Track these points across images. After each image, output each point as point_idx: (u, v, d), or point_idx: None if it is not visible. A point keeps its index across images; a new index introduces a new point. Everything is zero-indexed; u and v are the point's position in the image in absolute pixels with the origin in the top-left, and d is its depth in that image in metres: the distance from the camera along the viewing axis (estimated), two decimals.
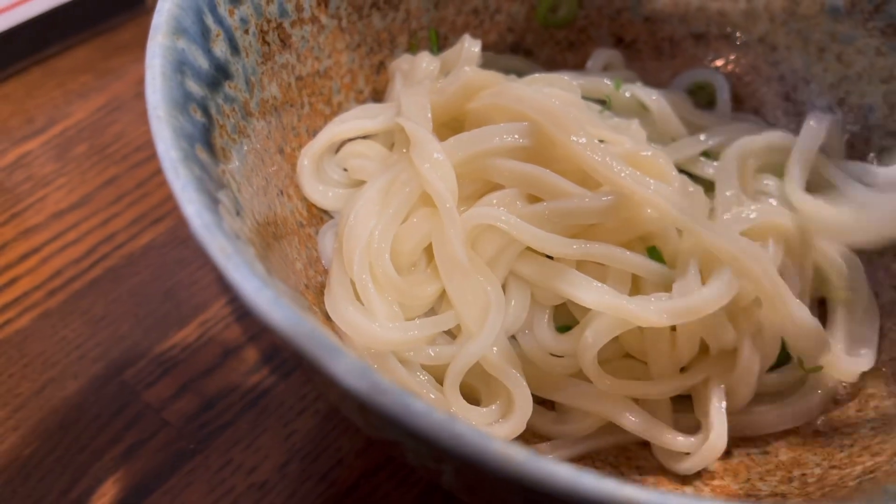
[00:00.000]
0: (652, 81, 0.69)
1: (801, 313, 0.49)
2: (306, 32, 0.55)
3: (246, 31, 0.49)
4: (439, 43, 0.65)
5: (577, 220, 0.50)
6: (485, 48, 0.68)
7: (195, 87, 0.42)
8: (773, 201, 0.58)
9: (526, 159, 0.52)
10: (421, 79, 0.57)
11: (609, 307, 0.47)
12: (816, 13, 0.62)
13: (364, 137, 0.58)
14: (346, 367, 0.29)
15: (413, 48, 0.64)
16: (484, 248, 0.50)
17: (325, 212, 0.56)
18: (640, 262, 0.50)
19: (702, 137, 0.61)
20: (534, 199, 0.51)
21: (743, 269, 0.47)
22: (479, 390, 0.51)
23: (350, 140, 0.57)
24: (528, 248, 0.50)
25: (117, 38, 0.84)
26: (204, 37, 0.44)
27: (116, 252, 0.68)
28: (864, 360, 0.52)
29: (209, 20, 0.45)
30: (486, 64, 0.65)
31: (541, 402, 0.52)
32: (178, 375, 0.60)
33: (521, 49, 0.69)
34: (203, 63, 0.43)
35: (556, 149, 0.51)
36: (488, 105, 0.54)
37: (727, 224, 0.52)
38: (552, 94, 0.54)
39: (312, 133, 0.57)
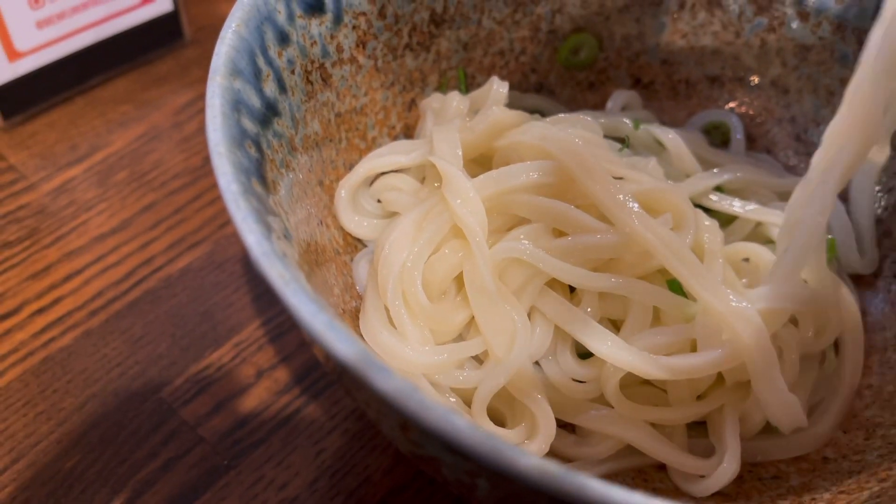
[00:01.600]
0: (668, 121, 0.72)
1: (782, 397, 0.50)
2: (346, 72, 0.59)
3: (292, 72, 0.52)
4: (467, 82, 0.69)
5: (599, 253, 0.53)
6: (510, 87, 0.71)
7: (250, 125, 0.45)
8: None
9: (551, 195, 0.55)
10: (451, 117, 0.60)
11: (617, 360, 0.50)
12: (827, 59, 0.66)
13: (397, 171, 0.61)
14: (395, 386, 0.32)
15: (443, 87, 0.67)
16: (511, 278, 0.53)
17: (360, 241, 0.59)
18: (659, 295, 0.53)
19: (715, 171, 0.63)
20: (559, 233, 0.55)
21: (734, 335, 0.50)
22: (504, 413, 0.53)
23: (384, 173, 0.60)
24: (553, 283, 0.53)
25: (156, 70, 0.88)
26: (257, 77, 0.48)
27: (154, 275, 0.71)
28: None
29: (261, 61, 0.49)
30: (511, 102, 0.69)
31: (562, 425, 0.55)
32: (214, 394, 0.63)
33: (545, 88, 0.72)
34: (256, 102, 0.47)
35: (578, 186, 0.54)
36: (515, 143, 0.57)
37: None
38: (575, 133, 0.57)
39: (349, 166, 0.60)
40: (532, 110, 0.70)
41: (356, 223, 0.57)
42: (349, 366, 0.33)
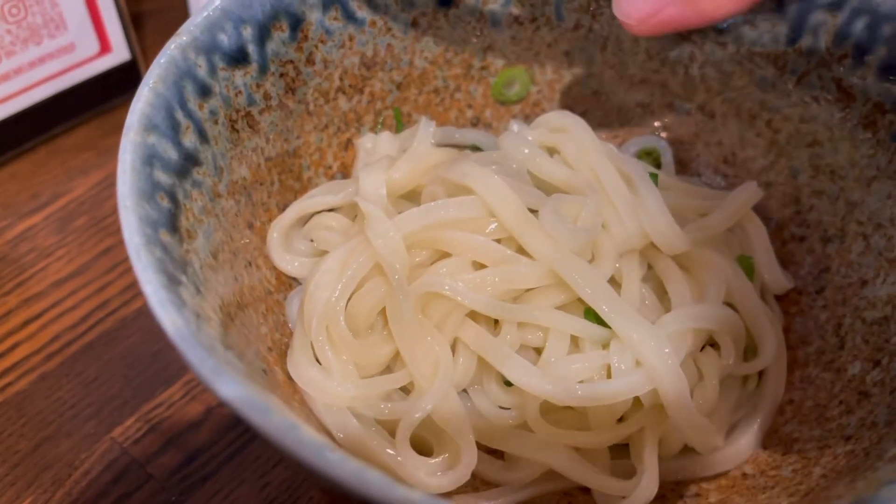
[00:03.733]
0: None
1: (695, 422, 0.52)
2: (275, 118, 0.61)
3: (215, 122, 0.55)
4: (403, 120, 0.71)
5: (517, 284, 0.55)
6: (446, 123, 0.74)
7: (163, 177, 0.47)
8: None
9: (472, 230, 0.57)
10: (380, 158, 0.62)
11: (533, 389, 0.52)
12: (747, 84, 0.68)
13: (332, 210, 0.63)
14: (274, 425, 0.34)
15: (378, 126, 0.70)
16: (433, 311, 0.55)
17: (295, 279, 0.62)
18: (575, 324, 0.54)
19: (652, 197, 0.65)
20: (480, 265, 0.57)
21: (645, 362, 0.52)
22: (431, 442, 0.55)
23: (318, 212, 0.63)
24: (477, 313, 0.55)
25: (116, 117, 0.91)
26: (175, 130, 0.50)
27: (110, 317, 0.73)
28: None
29: (179, 115, 0.51)
30: (447, 138, 0.72)
31: (491, 451, 0.56)
32: (164, 432, 0.65)
33: (481, 123, 0.74)
34: (173, 154, 0.49)
35: (497, 220, 0.57)
36: (440, 180, 0.60)
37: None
38: (498, 169, 0.59)
39: (283, 207, 0.62)
40: (469, 144, 0.72)
41: (288, 262, 0.60)
42: (234, 406, 0.35)
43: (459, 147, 0.72)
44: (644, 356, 0.52)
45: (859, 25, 0.60)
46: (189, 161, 0.51)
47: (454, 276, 0.55)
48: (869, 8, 0.60)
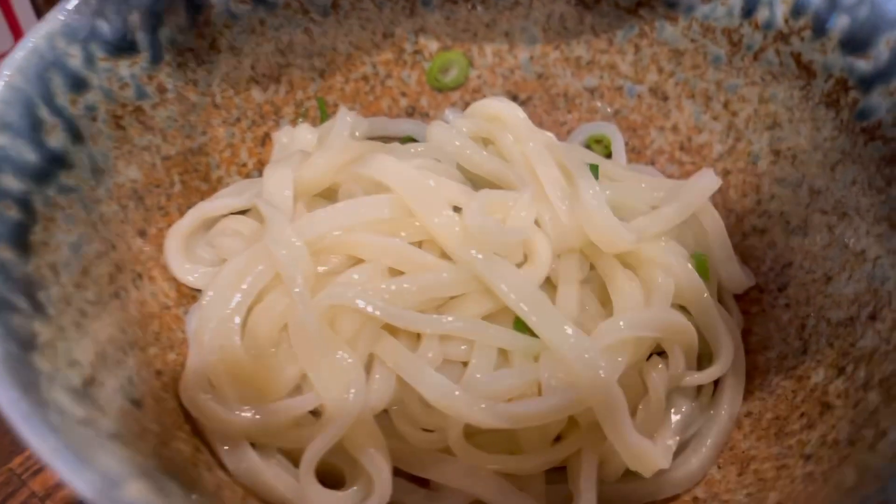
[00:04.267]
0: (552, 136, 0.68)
1: (633, 442, 0.46)
2: (173, 112, 0.55)
3: (93, 119, 0.49)
4: (329, 111, 0.65)
5: (437, 292, 0.49)
6: (379, 113, 0.68)
7: (14, 183, 0.41)
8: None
9: (389, 231, 0.51)
10: (290, 153, 0.56)
11: (452, 410, 0.46)
12: (701, 62, 0.62)
13: (243, 212, 0.57)
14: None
15: (300, 119, 0.64)
16: (343, 326, 0.49)
17: (200, 291, 0.56)
18: (503, 336, 0.49)
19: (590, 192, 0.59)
20: (396, 272, 0.51)
21: (576, 378, 0.46)
22: (345, 471, 0.49)
23: (226, 216, 0.57)
24: (394, 326, 0.49)
25: None
26: (35, 129, 0.44)
27: None
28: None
29: (43, 112, 0.45)
30: (378, 129, 0.66)
31: (417, 478, 0.51)
32: None
33: (417, 112, 0.68)
34: (30, 157, 0.43)
35: (417, 220, 0.51)
36: (356, 176, 0.54)
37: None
38: (420, 164, 0.53)
39: (187, 210, 0.56)
40: (403, 136, 0.66)
41: (188, 272, 0.54)
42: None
43: (393, 139, 0.66)
44: (576, 371, 0.46)
45: None
46: (54, 164, 0.45)
47: (367, 285, 0.49)
48: None
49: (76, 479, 0.30)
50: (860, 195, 0.52)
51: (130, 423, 0.39)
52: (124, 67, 0.51)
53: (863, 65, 0.52)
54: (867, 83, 0.52)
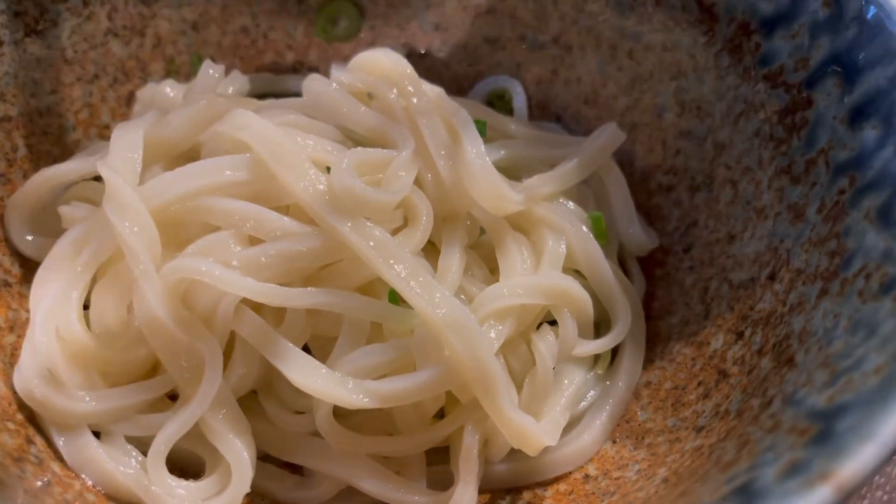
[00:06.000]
0: (453, 92, 0.63)
1: (513, 418, 0.42)
2: (10, 67, 0.49)
3: None
4: None
5: (301, 262, 0.45)
6: (263, 69, 0.63)
7: None
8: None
9: (248, 196, 0.46)
10: (146, 112, 0.51)
11: (313, 390, 0.41)
12: (603, 8, 0.58)
13: (97, 179, 0.52)
14: None
15: (171, 75, 0.58)
16: (196, 302, 0.44)
17: None
18: (373, 308, 0.44)
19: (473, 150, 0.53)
20: (256, 240, 0.46)
21: (451, 350, 0.42)
22: (205, 459, 0.45)
23: (79, 183, 0.51)
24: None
25: None
26: None
27: None
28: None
29: None
30: (263, 86, 0.60)
31: (288, 465, 0.47)
32: None
33: (306, 67, 0.63)
34: None
35: (278, 183, 0.46)
36: (214, 135, 0.48)
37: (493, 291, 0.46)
38: (286, 121, 0.48)
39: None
40: (291, 93, 0.61)
41: (30, 245, 0.48)
42: None
43: (279, 97, 0.61)
44: (450, 343, 0.42)
45: None
46: None
47: (221, 256, 0.44)
48: None
49: None
50: (762, 148, 0.49)
51: None
52: None
53: (765, 6, 0.48)
54: (769, 25, 0.48)
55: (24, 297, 0.48)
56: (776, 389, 0.38)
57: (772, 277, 0.45)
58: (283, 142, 0.46)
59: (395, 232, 0.47)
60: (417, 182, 0.49)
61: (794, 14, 0.47)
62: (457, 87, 0.64)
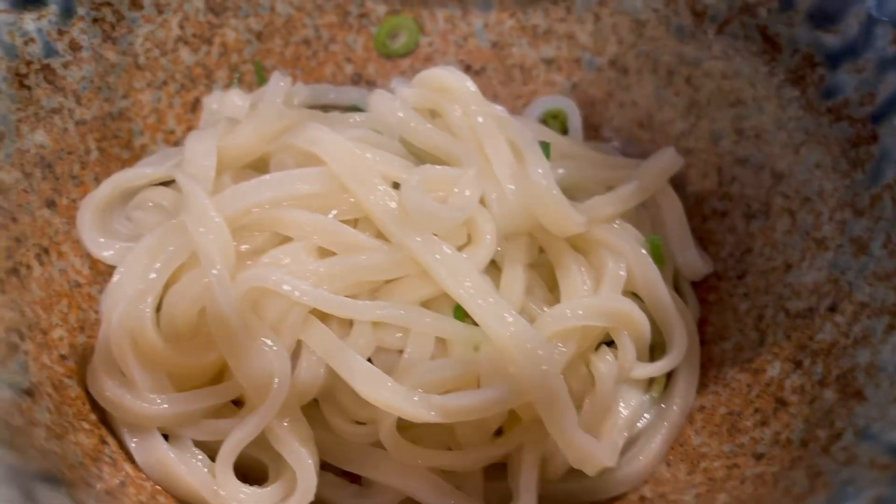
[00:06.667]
0: (507, 109, 0.64)
1: (576, 438, 0.43)
2: (88, 72, 0.50)
3: None
4: (266, 76, 0.60)
5: (370, 275, 0.46)
6: (322, 80, 0.63)
7: None
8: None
9: (320, 208, 0.47)
10: (217, 121, 0.52)
11: (381, 402, 0.42)
12: (663, 34, 0.58)
13: (165, 184, 0.53)
14: None
15: (234, 83, 0.59)
16: (267, 310, 0.45)
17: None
18: (441, 325, 0.45)
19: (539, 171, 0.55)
20: (327, 252, 0.47)
21: (517, 369, 0.43)
22: (268, 466, 0.46)
23: (148, 188, 0.52)
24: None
25: None
26: None
27: None
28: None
29: None
30: (320, 97, 0.61)
31: (348, 473, 0.47)
32: None
33: (363, 80, 0.64)
34: None
35: (350, 196, 0.47)
36: (286, 147, 0.49)
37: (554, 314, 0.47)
38: (356, 135, 0.49)
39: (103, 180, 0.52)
40: (349, 105, 0.62)
41: (103, 247, 0.49)
42: None
43: (337, 109, 0.62)
44: (516, 362, 0.43)
45: None
46: None
47: (293, 267, 0.45)
48: None
49: None
50: (824, 179, 0.49)
51: (13, 417, 0.35)
52: (29, 21, 0.47)
53: (830, 39, 0.49)
54: (834, 59, 0.49)
55: (93, 298, 0.49)
56: (845, 422, 0.38)
57: (832, 309, 0.46)
58: (355, 157, 0.47)
59: (459, 249, 0.48)
60: (481, 200, 0.49)
61: (861, 49, 0.48)
62: (511, 104, 0.64)
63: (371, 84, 0.65)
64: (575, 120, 0.62)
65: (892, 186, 0.44)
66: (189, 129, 0.58)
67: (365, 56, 0.64)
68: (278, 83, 0.54)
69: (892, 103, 0.46)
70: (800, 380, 0.45)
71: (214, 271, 0.43)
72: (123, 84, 0.53)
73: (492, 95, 0.64)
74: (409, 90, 0.56)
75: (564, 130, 0.63)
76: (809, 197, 0.50)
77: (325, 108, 0.61)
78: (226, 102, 0.56)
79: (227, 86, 0.59)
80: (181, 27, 0.55)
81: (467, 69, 0.65)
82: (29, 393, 0.38)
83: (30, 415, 0.37)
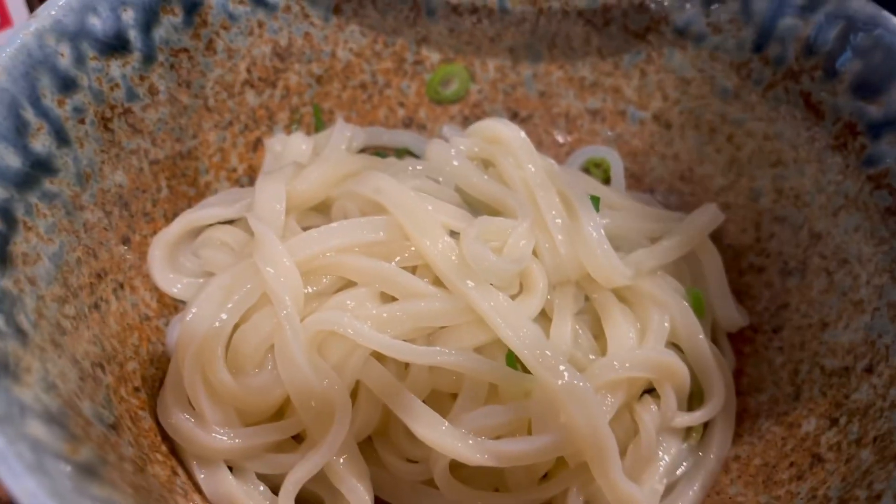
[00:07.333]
0: (550, 157, 0.66)
1: (621, 486, 0.45)
2: (164, 115, 0.53)
3: (81, 121, 0.47)
4: (324, 118, 0.63)
5: (428, 321, 0.48)
6: (375, 123, 0.66)
7: None
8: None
9: (382, 254, 0.49)
10: (285, 164, 0.54)
11: (437, 445, 0.45)
12: (707, 93, 0.61)
13: (230, 222, 0.55)
14: None
15: (294, 125, 0.62)
16: (330, 352, 0.47)
17: (183, 302, 0.54)
18: (494, 371, 0.47)
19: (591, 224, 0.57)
20: (389, 297, 0.49)
21: (568, 417, 0.45)
22: (325, 499, 0.48)
23: (212, 225, 0.55)
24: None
25: None
26: (19, 133, 0.42)
27: None
28: None
29: (28, 114, 0.43)
30: (374, 139, 0.64)
31: None
32: None
33: (414, 124, 0.67)
34: (13, 162, 0.41)
35: (412, 244, 0.49)
36: (350, 193, 0.52)
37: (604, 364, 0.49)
38: (416, 185, 0.52)
39: (173, 217, 0.54)
40: (401, 148, 0.65)
41: (171, 282, 0.52)
42: None
43: (389, 150, 0.65)
44: (568, 411, 0.45)
45: (832, 33, 0.53)
46: (38, 169, 0.43)
47: (357, 311, 0.47)
48: (844, 14, 0.53)
49: None
50: (862, 243, 0.52)
51: (107, 453, 0.37)
52: (115, 67, 0.49)
53: (873, 110, 0.51)
54: (877, 129, 0.51)
55: (160, 330, 0.51)
56: (884, 485, 0.40)
57: (869, 370, 0.48)
58: (418, 207, 0.49)
59: (512, 298, 0.50)
60: (534, 251, 0.52)
61: None
62: (555, 151, 0.67)
63: (421, 128, 0.67)
64: (618, 169, 0.64)
65: None
66: (250, 167, 0.60)
67: (417, 101, 0.66)
68: (343, 131, 0.56)
69: None
70: (836, 437, 0.47)
71: (285, 312, 0.46)
72: (193, 125, 0.56)
73: (536, 141, 0.66)
74: (464, 140, 0.58)
75: (607, 179, 0.65)
76: (847, 259, 0.53)
77: (378, 149, 0.64)
78: (289, 146, 0.58)
79: (287, 127, 0.62)
80: (248, 71, 0.58)
81: (514, 116, 0.67)
82: (114, 427, 0.41)
83: (118, 450, 0.39)
